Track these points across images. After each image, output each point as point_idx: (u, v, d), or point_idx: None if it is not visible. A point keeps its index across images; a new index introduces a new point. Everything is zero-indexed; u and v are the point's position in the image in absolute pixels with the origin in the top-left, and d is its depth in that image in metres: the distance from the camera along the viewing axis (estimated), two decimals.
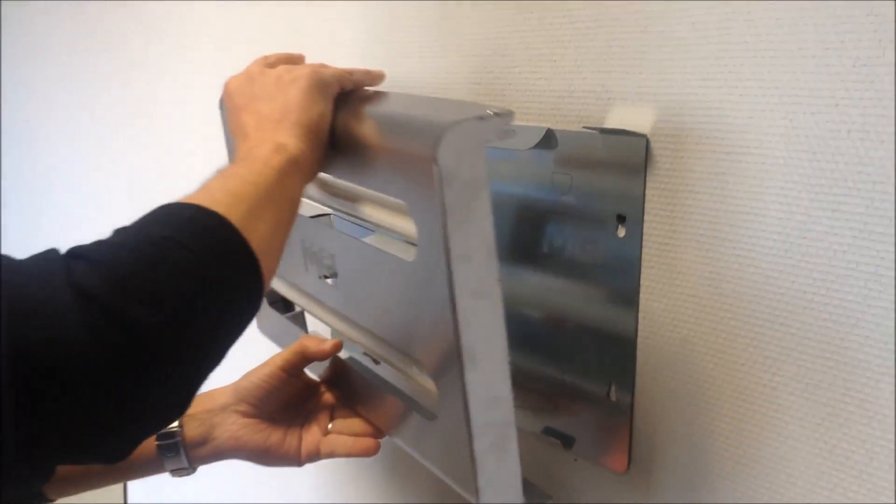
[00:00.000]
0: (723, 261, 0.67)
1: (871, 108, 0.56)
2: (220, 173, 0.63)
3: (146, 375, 0.50)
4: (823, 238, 0.60)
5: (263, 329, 1.08)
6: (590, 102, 0.75)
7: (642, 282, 0.73)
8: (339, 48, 1.06)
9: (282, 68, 0.73)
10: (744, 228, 0.65)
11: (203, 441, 0.83)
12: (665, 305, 0.71)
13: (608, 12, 0.72)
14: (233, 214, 0.56)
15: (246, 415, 0.83)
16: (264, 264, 0.57)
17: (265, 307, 1.04)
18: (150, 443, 0.82)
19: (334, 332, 1.00)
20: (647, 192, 0.71)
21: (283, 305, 1.04)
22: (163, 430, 0.81)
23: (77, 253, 0.52)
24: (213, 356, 0.56)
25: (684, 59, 0.67)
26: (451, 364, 0.63)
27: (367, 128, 0.69)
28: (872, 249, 0.57)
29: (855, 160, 0.57)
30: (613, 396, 0.76)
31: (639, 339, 0.74)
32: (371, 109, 0.71)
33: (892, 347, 0.57)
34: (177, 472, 0.83)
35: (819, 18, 0.58)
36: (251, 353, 1.32)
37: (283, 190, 0.63)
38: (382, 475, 1.10)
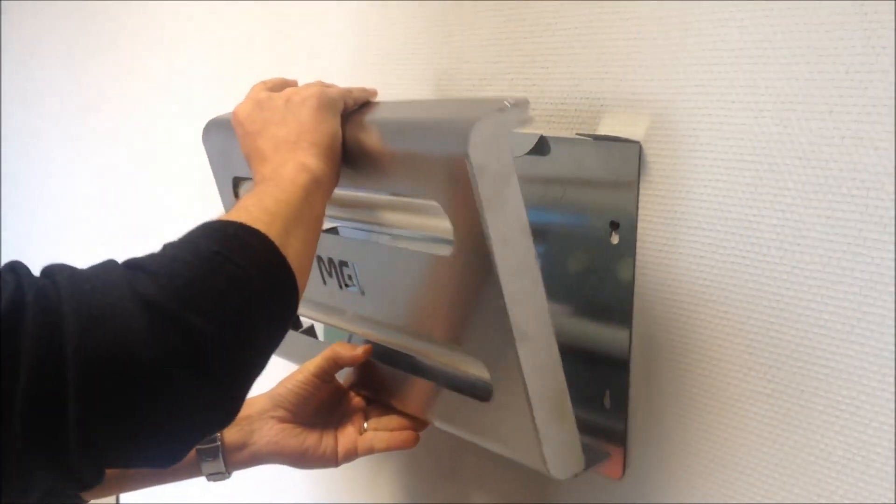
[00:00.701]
0: (717, 267, 0.66)
1: (865, 115, 0.56)
2: (253, 193, 0.66)
3: (204, 380, 0.54)
4: (818, 245, 0.60)
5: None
6: (583, 109, 0.74)
7: (636, 288, 0.72)
8: (329, 58, 1.06)
9: (289, 91, 0.74)
10: (738, 235, 0.65)
11: (241, 446, 0.85)
12: (659, 312, 0.71)
13: (601, 19, 0.72)
14: (271, 232, 0.60)
15: (282, 420, 0.86)
16: (298, 279, 0.61)
17: None
18: None
19: (351, 336, 1.00)
20: (640, 198, 0.71)
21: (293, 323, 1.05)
22: None
23: (135, 264, 0.55)
24: (258, 363, 0.59)
25: (677, 65, 0.67)
26: (502, 342, 0.66)
27: (382, 137, 0.71)
28: (867, 256, 0.57)
29: (849, 167, 0.57)
30: (608, 404, 0.76)
31: (633, 346, 0.73)
32: (380, 119, 0.73)
33: (887, 354, 0.57)
34: (213, 476, 0.86)
35: (812, 25, 0.58)
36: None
37: (310, 208, 0.67)
38: (375, 476, 1.10)
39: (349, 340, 1.00)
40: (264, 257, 0.59)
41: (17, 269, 0.53)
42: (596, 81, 0.73)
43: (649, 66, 0.69)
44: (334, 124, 0.73)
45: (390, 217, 0.78)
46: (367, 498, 1.11)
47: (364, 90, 0.78)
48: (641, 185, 0.71)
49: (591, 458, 0.72)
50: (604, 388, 0.76)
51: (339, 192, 0.78)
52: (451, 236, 0.68)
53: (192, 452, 0.84)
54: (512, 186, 0.63)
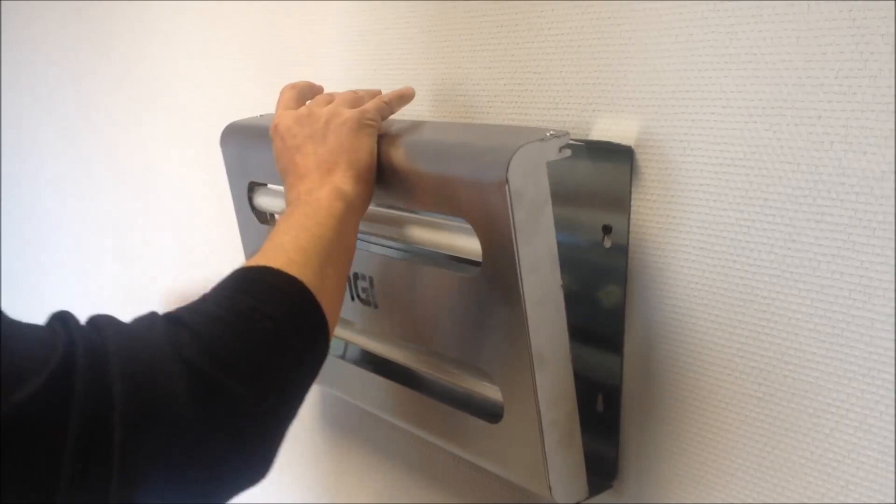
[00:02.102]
0: (708, 271, 0.67)
1: (854, 120, 0.57)
2: (288, 222, 0.67)
3: (240, 445, 0.56)
4: (808, 248, 0.60)
5: None
6: (575, 114, 0.75)
7: (628, 291, 0.73)
8: (321, 63, 1.06)
9: (330, 110, 0.75)
10: (729, 239, 0.65)
11: None
12: (651, 315, 0.71)
13: (592, 25, 0.72)
14: (306, 275, 0.61)
15: None
16: (331, 318, 0.62)
17: None
18: None
19: (347, 345, 1.00)
20: (632, 202, 0.71)
21: None
22: None
23: (177, 320, 0.57)
24: (291, 415, 0.61)
25: (669, 71, 0.67)
26: (519, 366, 0.67)
27: (418, 157, 0.72)
28: (856, 260, 0.58)
29: (838, 171, 0.58)
30: (601, 407, 0.76)
31: (625, 350, 0.74)
32: (416, 140, 0.74)
33: (877, 357, 0.58)
34: None
35: (801, 31, 0.58)
36: None
37: (344, 238, 0.68)
38: (368, 480, 1.10)
39: (343, 356, 1.00)
40: (300, 307, 0.60)
41: (66, 320, 0.55)
42: (588, 86, 0.73)
43: (640, 71, 0.69)
44: (371, 146, 0.74)
45: (409, 233, 0.79)
46: (359, 499, 1.11)
47: (400, 97, 0.79)
48: (633, 189, 0.71)
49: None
50: (597, 391, 0.76)
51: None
52: (469, 256, 0.70)
53: None
54: (546, 215, 0.65)
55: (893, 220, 0.55)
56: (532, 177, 0.64)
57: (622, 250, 0.72)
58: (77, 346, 0.52)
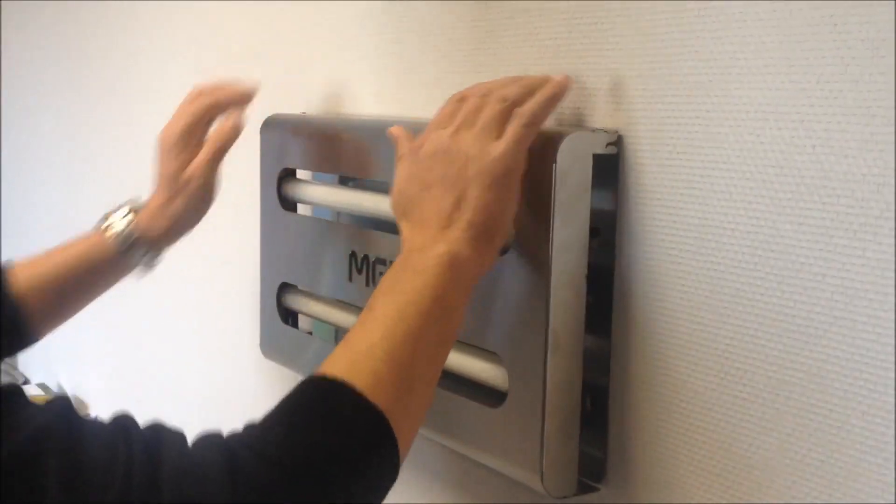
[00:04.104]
0: (693, 273, 0.67)
1: (835, 124, 0.57)
2: (387, 301, 0.63)
3: None
4: (790, 251, 0.61)
5: (269, 354, 1.08)
6: (563, 118, 0.75)
7: (615, 294, 0.73)
8: (315, 63, 1.06)
9: (472, 149, 0.66)
10: (713, 242, 0.66)
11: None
12: (638, 317, 0.72)
13: (579, 31, 0.73)
14: (391, 401, 0.59)
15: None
16: (403, 452, 0.60)
17: (277, 329, 1.05)
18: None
19: (337, 331, 1.00)
20: (619, 206, 0.72)
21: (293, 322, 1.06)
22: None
23: (241, 447, 0.56)
24: None
25: (654, 75, 0.68)
26: (533, 348, 0.69)
27: None
28: (837, 262, 0.58)
29: (820, 174, 0.59)
30: (588, 409, 0.76)
31: (612, 351, 0.74)
32: None
33: (858, 358, 0.58)
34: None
35: (784, 36, 0.59)
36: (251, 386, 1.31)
37: (444, 326, 0.65)
38: None
39: (336, 339, 1.00)
40: (377, 448, 0.58)
41: (130, 439, 0.55)
42: (575, 91, 0.74)
43: (627, 75, 0.70)
44: (508, 200, 0.67)
45: None
46: None
47: (552, 95, 0.69)
48: (620, 192, 0.72)
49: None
50: (584, 392, 0.76)
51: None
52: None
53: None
54: (584, 201, 0.69)
55: (874, 223, 0.56)
56: (579, 163, 0.68)
57: (609, 253, 0.73)
58: (133, 478, 0.52)
